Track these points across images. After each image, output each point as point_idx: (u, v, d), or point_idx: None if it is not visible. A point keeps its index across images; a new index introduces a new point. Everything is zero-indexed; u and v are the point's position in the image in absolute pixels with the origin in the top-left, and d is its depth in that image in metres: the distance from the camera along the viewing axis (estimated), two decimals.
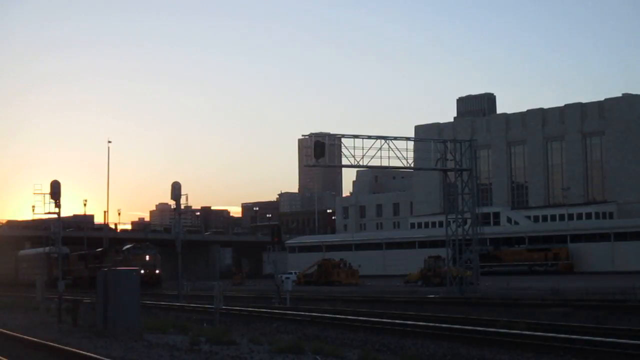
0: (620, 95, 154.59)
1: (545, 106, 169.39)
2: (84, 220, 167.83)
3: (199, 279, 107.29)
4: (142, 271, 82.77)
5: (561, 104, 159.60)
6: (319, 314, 36.13)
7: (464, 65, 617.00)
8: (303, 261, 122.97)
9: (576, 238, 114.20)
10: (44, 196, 56.19)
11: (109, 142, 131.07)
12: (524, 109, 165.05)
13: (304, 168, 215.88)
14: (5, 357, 21.23)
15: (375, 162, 59.60)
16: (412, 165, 64.44)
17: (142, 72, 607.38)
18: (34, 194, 57.40)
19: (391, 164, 60.86)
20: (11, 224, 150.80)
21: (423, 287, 79.22)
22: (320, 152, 57.08)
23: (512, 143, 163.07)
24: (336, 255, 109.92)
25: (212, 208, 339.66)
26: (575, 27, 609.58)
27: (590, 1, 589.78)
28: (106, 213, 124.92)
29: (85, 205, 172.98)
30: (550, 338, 22.60)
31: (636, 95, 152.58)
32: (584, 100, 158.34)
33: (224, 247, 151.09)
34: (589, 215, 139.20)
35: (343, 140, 60.36)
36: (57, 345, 23.42)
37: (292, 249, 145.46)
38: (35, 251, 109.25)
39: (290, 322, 34.02)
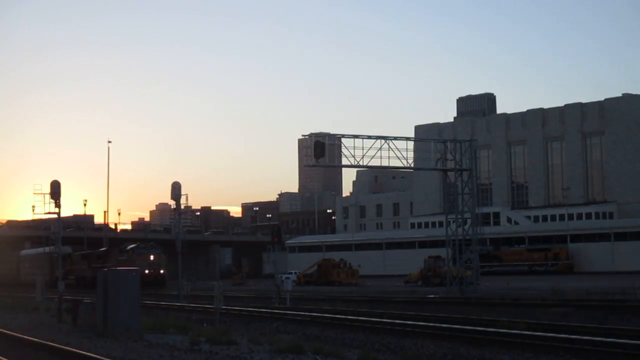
0: (620, 95, 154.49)
1: (545, 106, 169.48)
2: (84, 220, 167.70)
3: (199, 279, 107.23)
4: (147, 271, 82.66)
5: (561, 104, 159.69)
6: (319, 314, 36.11)
7: (464, 65, 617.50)
8: (303, 261, 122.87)
9: (576, 238, 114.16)
10: (44, 196, 56.29)
11: (109, 142, 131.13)
12: (524, 109, 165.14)
13: (304, 168, 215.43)
14: (5, 357, 21.21)
15: (375, 162, 59.61)
16: (412, 165, 64.43)
17: (142, 72, 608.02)
18: (34, 194, 57.50)
19: (391, 164, 60.86)
20: (11, 224, 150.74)
21: (423, 287, 79.17)
22: (320, 152, 57.08)
23: (512, 143, 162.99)
24: (336, 255, 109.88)
25: (212, 208, 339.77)
26: (575, 27, 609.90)
27: (590, 1, 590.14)
28: (106, 213, 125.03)
29: (85, 205, 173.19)
30: (550, 338, 22.58)
31: (636, 95, 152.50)
32: (584, 100, 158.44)
33: (224, 247, 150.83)
34: (589, 215, 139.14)
35: (343, 140, 60.36)
36: (57, 345, 23.41)
37: (292, 249, 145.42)
38: (37, 251, 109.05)
39: (290, 322, 34.00)
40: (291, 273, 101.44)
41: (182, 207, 63.38)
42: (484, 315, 33.76)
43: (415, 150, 69.55)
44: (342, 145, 59.78)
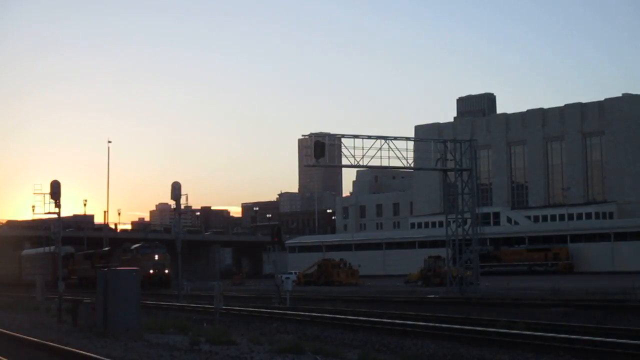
0: (620, 95, 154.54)
1: (545, 106, 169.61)
2: (84, 220, 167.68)
3: (199, 279, 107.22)
4: (151, 271, 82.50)
5: (561, 104, 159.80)
6: (319, 314, 36.11)
7: (464, 65, 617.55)
8: (303, 261, 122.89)
9: (576, 238, 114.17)
10: (44, 196, 56.19)
11: (109, 142, 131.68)
12: (524, 109, 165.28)
13: (304, 168, 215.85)
14: (5, 357, 21.22)
15: (375, 162, 59.64)
16: (412, 165, 64.46)
17: (142, 72, 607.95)
18: (34, 194, 57.40)
19: (391, 164, 60.89)
20: (11, 224, 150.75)
21: (423, 287, 79.18)
22: (320, 152, 57.09)
23: (512, 143, 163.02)
24: (336, 255, 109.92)
25: (212, 208, 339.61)
26: (575, 27, 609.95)
27: (590, 1, 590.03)
28: (106, 213, 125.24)
29: (85, 205, 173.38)
30: (550, 338, 22.59)
31: (636, 95, 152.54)
32: (584, 100, 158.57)
33: (224, 247, 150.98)
34: (589, 215, 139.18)
35: (343, 140, 60.39)
36: (57, 345, 23.40)
37: (292, 249, 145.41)
38: (39, 251, 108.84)
39: (290, 322, 33.99)
40: (291, 273, 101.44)
41: (182, 207, 63.32)
42: (484, 315, 33.75)
43: (415, 150, 69.58)
44: (342, 145, 59.82)
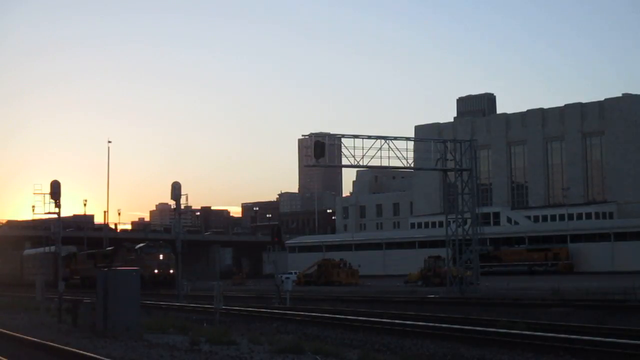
0: (620, 95, 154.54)
1: (545, 106, 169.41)
2: (84, 220, 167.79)
3: (198, 279, 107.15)
4: (156, 270, 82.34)
5: (561, 104, 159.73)
6: (319, 314, 36.11)
7: (464, 65, 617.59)
8: (303, 261, 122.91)
9: (576, 238, 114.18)
10: (44, 196, 56.31)
11: (109, 142, 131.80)
12: (524, 109, 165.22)
13: (304, 168, 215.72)
14: (4, 357, 21.21)
15: (375, 162, 59.63)
16: (412, 165, 64.46)
17: (143, 72, 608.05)
18: (34, 194, 57.53)
19: (391, 164, 60.89)
20: (11, 224, 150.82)
21: (423, 287, 79.18)
22: (320, 152, 57.09)
23: (512, 143, 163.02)
24: (336, 255, 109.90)
25: (212, 208, 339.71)
26: (575, 27, 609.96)
27: (591, 1, 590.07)
28: (106, 213, 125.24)
29: (85, 205, 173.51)
30: (550, 338, 22.58)
31: (636, 95, 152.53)
32: (584, 100, 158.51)
33: (224, 247, 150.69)
34: (589, 215, 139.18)
35: (343, 140, 60.38)
36: (57, 345, 23.39)
37: (292, 249, 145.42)
38: (41, 251, 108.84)
39: (290, 322, 33.99)
40: (291, 273, 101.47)
41: (182, 207, 63.40)
42: (484, 315, 33.75)
43: (415, 150, 69.57)
44: (342, 145, 59.81)
